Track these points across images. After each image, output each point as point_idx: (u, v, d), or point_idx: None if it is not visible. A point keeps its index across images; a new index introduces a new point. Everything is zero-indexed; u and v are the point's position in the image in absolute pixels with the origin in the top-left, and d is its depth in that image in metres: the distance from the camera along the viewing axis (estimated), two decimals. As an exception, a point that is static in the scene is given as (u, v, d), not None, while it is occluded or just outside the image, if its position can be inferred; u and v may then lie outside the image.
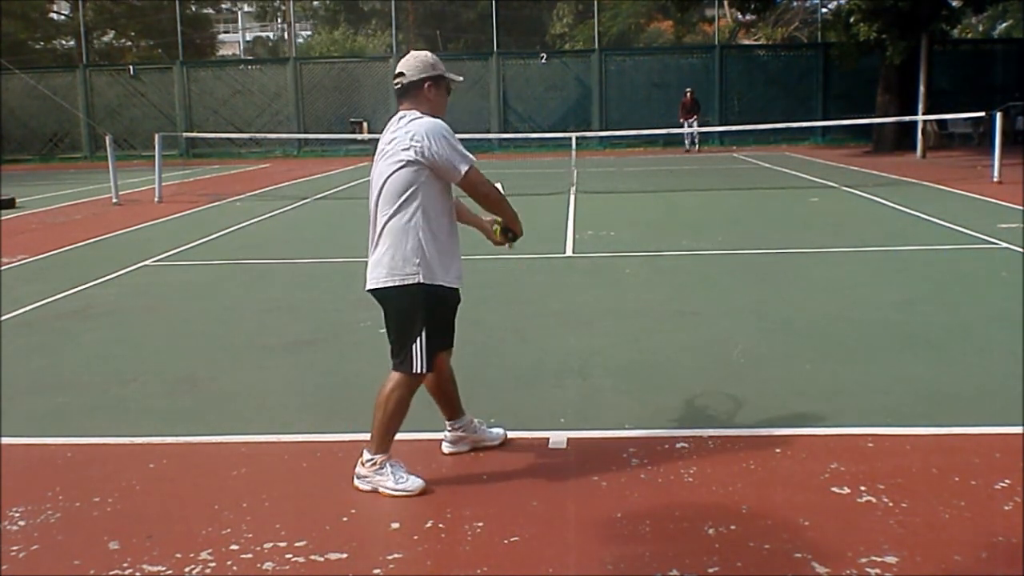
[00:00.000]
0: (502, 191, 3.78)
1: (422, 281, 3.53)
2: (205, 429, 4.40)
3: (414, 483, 3.56)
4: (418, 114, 3.58)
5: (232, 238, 11.08)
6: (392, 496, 3.54)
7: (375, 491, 3.58)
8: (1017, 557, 2.95)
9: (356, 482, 3.63)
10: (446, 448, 3.99)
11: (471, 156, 3.59)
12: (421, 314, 3.57)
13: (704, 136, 27.79)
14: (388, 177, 3.53)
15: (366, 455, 3.62)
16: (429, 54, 3.71)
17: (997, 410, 4.32)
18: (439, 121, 3.56)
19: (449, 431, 3.99)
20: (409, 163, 3.48)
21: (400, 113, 3.63)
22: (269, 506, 3.49)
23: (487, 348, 5.70)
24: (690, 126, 26.00)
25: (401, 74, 3.63)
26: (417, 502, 3.48)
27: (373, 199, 3.60)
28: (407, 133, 3.50)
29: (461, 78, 3.80)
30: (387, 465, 3.59)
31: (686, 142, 26.71)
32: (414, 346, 3.60)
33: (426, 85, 3.61)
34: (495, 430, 4.09)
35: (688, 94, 26.61)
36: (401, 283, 3.54)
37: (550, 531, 3.22)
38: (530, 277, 8.06)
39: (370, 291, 3.65)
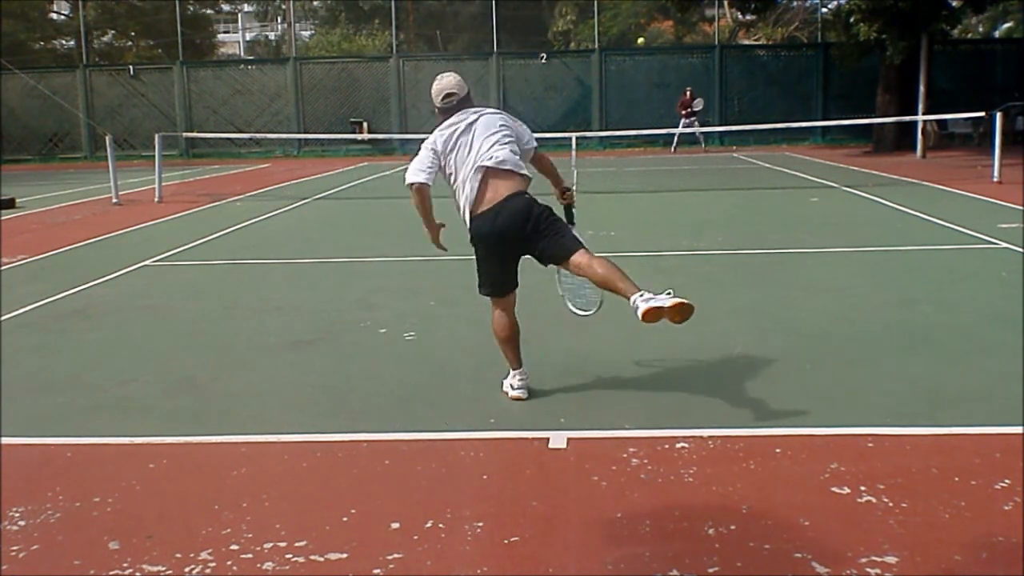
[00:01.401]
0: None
1: None
2: (205, 429, 4.40)
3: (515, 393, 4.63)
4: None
5: (232, 238, 11.08)
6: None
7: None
8: (1017, 557, 2.95)
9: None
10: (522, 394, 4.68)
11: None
12: None
13: (704, 136, 27.78)
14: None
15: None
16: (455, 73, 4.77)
17: (997, 410, 4.32)
18: None
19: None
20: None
21: (475, 109, 4.67)
22: (269, 506, 3.49)
23: (487, 348, 5.69)
24: (689, 125, 25.92)
25: (453, 94, 4.64)
26: (417, 502, 3.48)
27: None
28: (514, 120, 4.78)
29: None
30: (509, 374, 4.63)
31: (697, 137, 26.54)
32: None
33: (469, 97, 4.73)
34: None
35: (688, 92, 26.55)
36: None
37: (550, 531, 3.22)
38: (530, 277, 8.04)
39: None
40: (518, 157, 4.59)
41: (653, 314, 3.92)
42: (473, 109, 4.65)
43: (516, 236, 4.46)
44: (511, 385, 4.66)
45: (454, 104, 4.64)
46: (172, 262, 9.37)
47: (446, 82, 4.65)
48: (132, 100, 30.89)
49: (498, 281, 4.64)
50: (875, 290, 7.14)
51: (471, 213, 4.51)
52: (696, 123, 26.03)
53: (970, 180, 15.30)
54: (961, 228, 9.97)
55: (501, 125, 4.59)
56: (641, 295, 4.00)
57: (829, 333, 5.84)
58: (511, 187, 4.48)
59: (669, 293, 3.98)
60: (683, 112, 26.25)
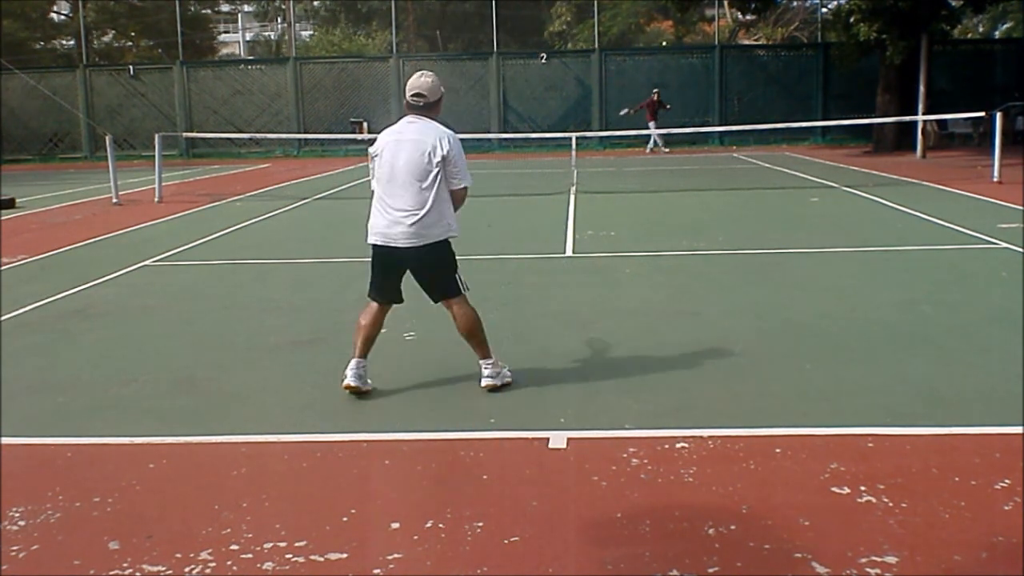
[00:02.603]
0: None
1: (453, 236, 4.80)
2: (205, 429, 4.40)
3: (347, 382, 4.76)
4: (439, 125, 4.73)
5: (232, 238, 11.08)
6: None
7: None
8: (1017, 557, 2.95)
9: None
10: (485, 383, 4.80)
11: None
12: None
13: (704, 136, 27.77)
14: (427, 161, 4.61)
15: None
16: (436, 77, 4.78)
17: (997, 410, 4.32)
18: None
19: None
20: (444, 158, 4.61)
21: (420, 117, 4.70)
22: (269, 506, 3.49)
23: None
24: (659, 126, 25.78)
25: (422, 96, 4.67)
26: (417, 502, 3.48)
27: (407, 171, 4.61)
28: (444, 136, 4.64)
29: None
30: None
31: (658, 142, 26.28)
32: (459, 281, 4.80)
33: (439, 104, 4.77)
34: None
35: (656, 94, 26.57)
36: (449, 237, 4.76)
37: (550, 531, 3.22)
38: (530, 277, 8.06)
39: (432, 244, 4.66)
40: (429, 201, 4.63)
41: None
42: (420, 127, 4.66)
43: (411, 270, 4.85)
44: (347, 373, 4.78)
45: (420, 105, 4.69)
46: (172, 262, 9.37)
47: (420, 82, 4.69)
48: (132, 100, 30.90)
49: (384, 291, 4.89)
50: (875, 290, 7.14)
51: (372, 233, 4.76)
52: (653, 125, 25.89)
53: (970, 180, 15.30)
54: (961, 228, 9.97)
55: (435, 165, 4.59)
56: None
57: (829, 333, 5.84)
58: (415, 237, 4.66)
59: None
60: (654, 116, 26.18)
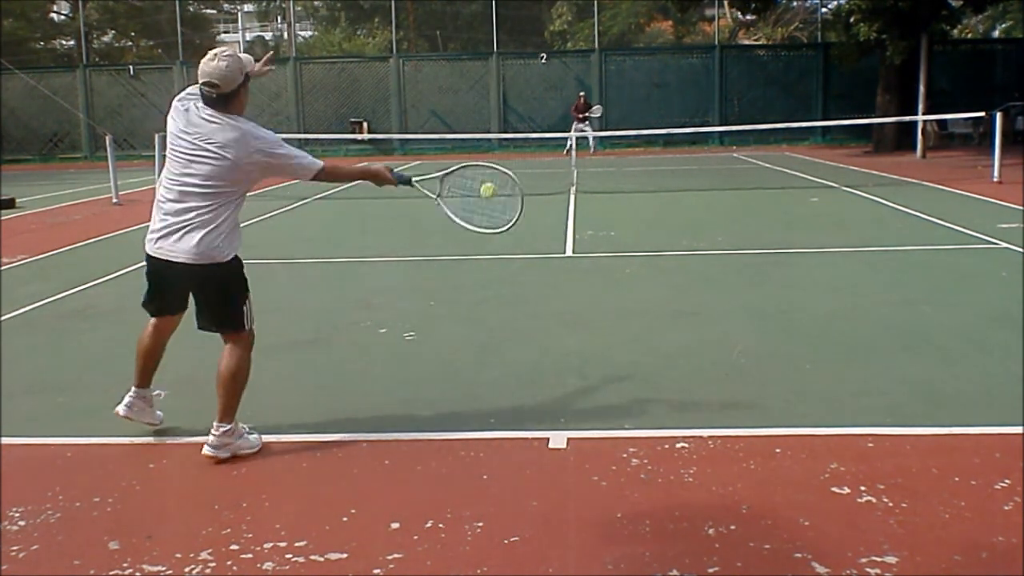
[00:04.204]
0: None
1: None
2: (205, 429, 4.38)
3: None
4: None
5: (232, 238, 11.05)
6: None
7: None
8: (1017, 557, 2.95)
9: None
10: (122, 410, 4.19)
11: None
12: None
13: (704, 136, 27.77)
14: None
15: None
16: (235, 56, 3.78)
17: (997, 410, 4.32)
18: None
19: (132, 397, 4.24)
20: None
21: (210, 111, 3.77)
22: (269, 506, 3.49)
23: (487, 348, 5.70)
24: (582, 129, 25.15)
25: (216, 86, 3.70)
26: (417, 502, 3.48)
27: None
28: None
29: (272, 68, 4.17)
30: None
31: (588, 142, 25.69)
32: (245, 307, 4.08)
33: (240, 92, 3.80)
34: (158, 412, 4.32)
35: (582, 98, 26.66)
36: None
37: (550, 531, 3.22)
38: (530, 277, 8.06)
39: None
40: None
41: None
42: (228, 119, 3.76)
43: None
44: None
45: (213, 98, 3.72)
46: (172, 262, 9.36)
47: (210, 67, 3.68)
48: (132, 100, 30.89)
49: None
50: (875, 290, 7.14)
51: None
52: (589, 128, 25.55)
53: (970, 180, 15.30)
54: (961, 228, 9.97)
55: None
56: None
57: (829, 333, 5.84)
58: None
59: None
60: (578, 116, 26.05)
